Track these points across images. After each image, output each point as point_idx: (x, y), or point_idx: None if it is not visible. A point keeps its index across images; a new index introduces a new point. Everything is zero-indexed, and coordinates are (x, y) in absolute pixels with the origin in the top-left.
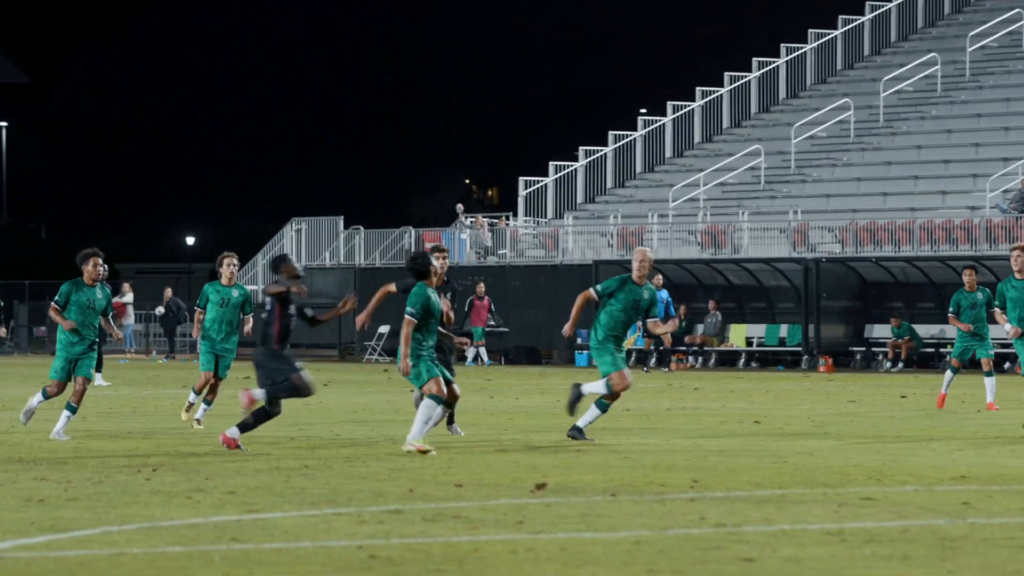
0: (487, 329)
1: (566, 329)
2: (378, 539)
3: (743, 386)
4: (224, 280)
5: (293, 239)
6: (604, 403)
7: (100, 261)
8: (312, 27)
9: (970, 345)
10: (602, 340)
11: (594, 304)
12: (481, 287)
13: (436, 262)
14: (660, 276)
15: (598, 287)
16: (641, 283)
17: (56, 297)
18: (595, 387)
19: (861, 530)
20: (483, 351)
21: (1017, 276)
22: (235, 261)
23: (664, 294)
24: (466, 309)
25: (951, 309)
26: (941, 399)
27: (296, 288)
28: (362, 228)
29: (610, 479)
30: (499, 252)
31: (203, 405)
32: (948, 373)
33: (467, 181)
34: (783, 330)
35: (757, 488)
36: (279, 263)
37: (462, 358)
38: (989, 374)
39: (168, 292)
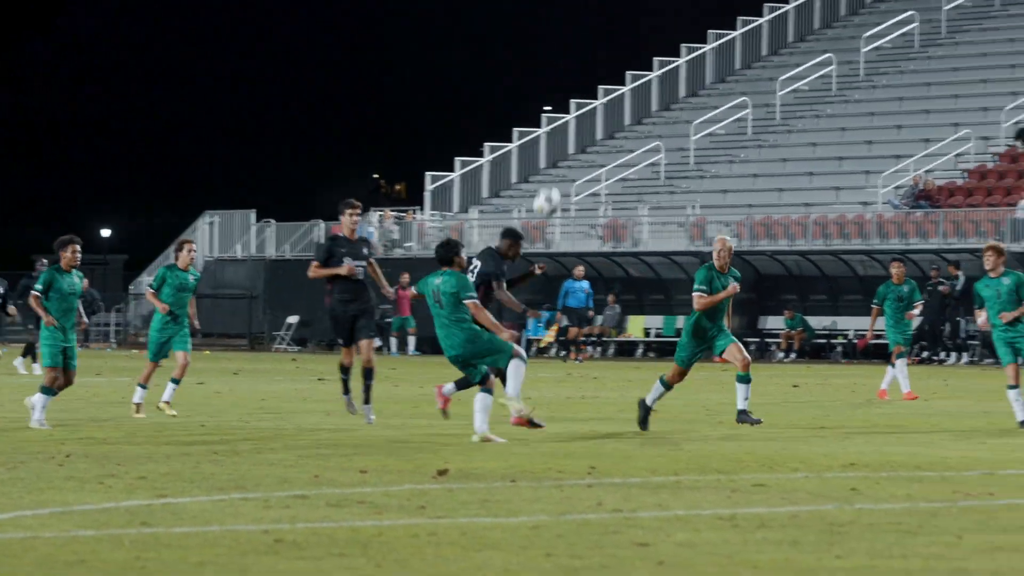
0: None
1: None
2: (284, 523)
3: (640, 375)
4: (182, 264)
5: (206, 232)
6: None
7: (78, 248)
8: (238, 22)
9: (898, 340)
10: (691, 329)
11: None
12: (406, 277)
13: (348, 217)
14: (582, 267)
15: (699, 287)
16: (724, 271)
17: (37, 285)
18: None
19: (753, 515)
20: (412, 340)
21: (991, 275)
22: (195, 248)
23: (586, 284)
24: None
25: (875, 300)
26: (908, 395)
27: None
28: (273, 221)
29: (510, 465)
30: (405, 245)
31: (170, 384)
32: (899, 363)
33: (375, 176)
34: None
35: (652, 475)
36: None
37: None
38: (893, 365)
39: (85, 283)
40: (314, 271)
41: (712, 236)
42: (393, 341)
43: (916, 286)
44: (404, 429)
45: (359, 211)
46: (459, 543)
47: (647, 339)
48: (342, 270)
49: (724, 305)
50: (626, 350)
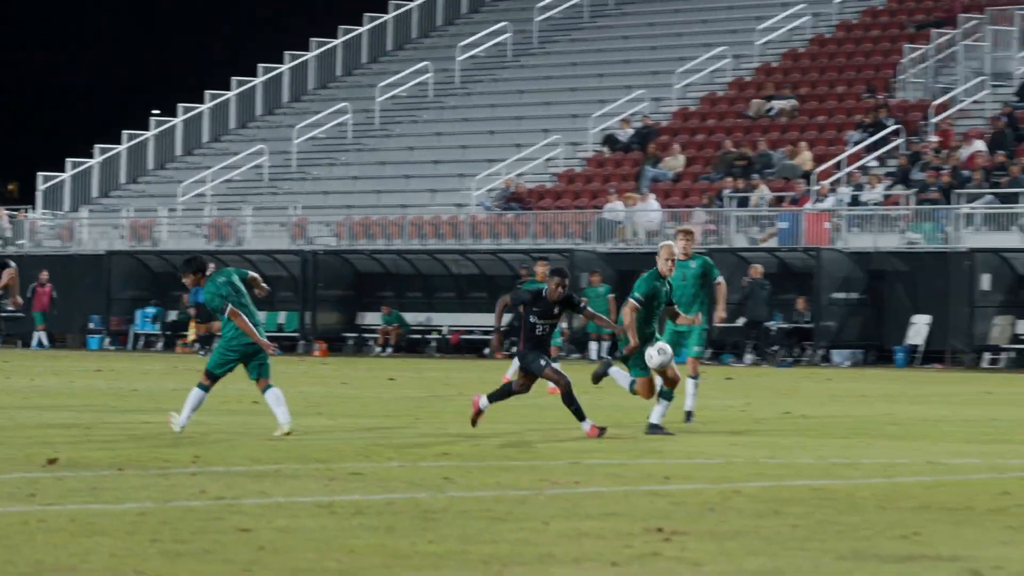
0: (11, 313)
1: (630, 348)
2: None
3: (241, 370)
4: None
5: None
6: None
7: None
8: None
9: None
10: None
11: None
12: (45, 274)
13: None
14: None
15: (638, 296)
16: (669, 276)
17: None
18: (621, 380)
19: (350, 502)
20: (43, 335)
21: (680, 258)
22: None
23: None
24: (29, 295)
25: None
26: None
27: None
28: None
29: (117, 455)
30: (18, 242)
31: None
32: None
33: None
34: (281, 317)
35: (255, 463)
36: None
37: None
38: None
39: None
40: None
41: (314, 236)
42: (43, 336)
43: None
44: (15, 420)
45: None
46: (68, 529)
47: None
48: None
49: (659, 311)
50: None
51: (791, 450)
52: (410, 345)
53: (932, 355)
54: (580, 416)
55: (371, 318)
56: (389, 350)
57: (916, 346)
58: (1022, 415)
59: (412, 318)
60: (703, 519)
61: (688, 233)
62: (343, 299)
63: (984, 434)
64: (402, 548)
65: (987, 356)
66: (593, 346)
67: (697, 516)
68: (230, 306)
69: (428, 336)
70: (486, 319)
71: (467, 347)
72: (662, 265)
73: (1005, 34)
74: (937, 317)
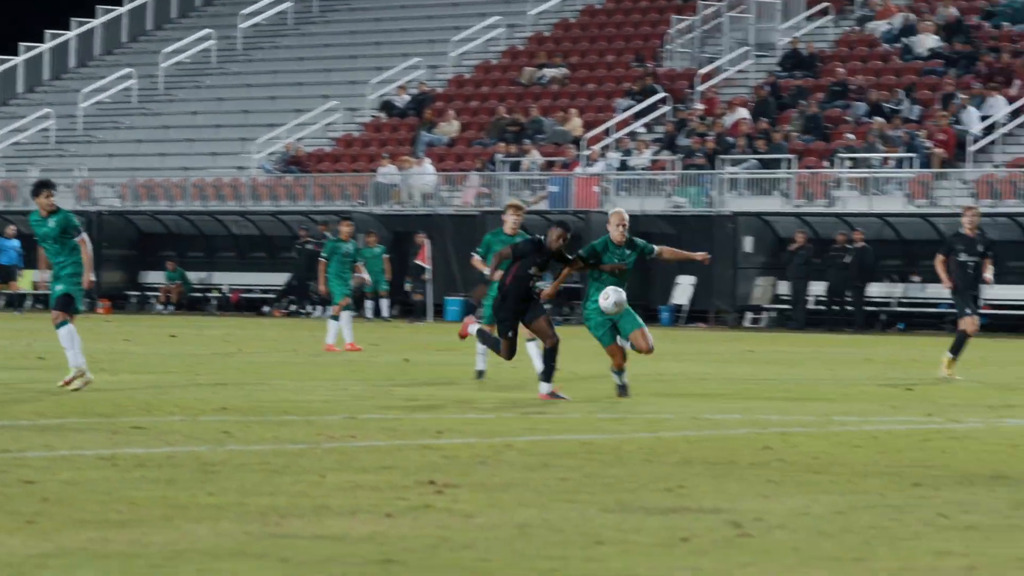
0: None
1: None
2: None
3: (29, 326)
4: None
5: None
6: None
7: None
8: None
9: (346, 293)
10: (597, 309)
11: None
12: None
13: None
14: (14, 226)
15: (581, 252)
16: (622, 244)
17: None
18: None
19: (132, 456)
20: None
21: (507, 232)
22: None
23: (17, 243)
24: None
25: (323, 254)
26: (350, 345)
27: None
28: None
29: None
30: None
31: None
32: (345, 315)
33: None
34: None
35: (39, 418)
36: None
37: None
38: (335, 318)
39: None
40: None
41: (99, 197)
42: None
43: (358, 245)
44: None
45: None
46: None
47: (35, 291)
48: None
49: (620, 282)
50: (16, 303)
51: (560, 405)
52: (191, 303)
53: (696, 315)
54: (488, 345)
55: (154, 277)
56: (171, 308)
57: (681, 306)
58: (782, 373)
59: (194, 277)
60: (475, 472)
61: (518, 208)
62: (127, 258)
63: (746, 391)
64: (182, 500)
65: (749, 316)
66: (369, 304)
67: (469, 469)
68: (84, 233)
69: (209, 295)
70: (265, 278)
71: (247, 305)
72: (613, 232)
73: (768, 6)
74: (701, 278)
